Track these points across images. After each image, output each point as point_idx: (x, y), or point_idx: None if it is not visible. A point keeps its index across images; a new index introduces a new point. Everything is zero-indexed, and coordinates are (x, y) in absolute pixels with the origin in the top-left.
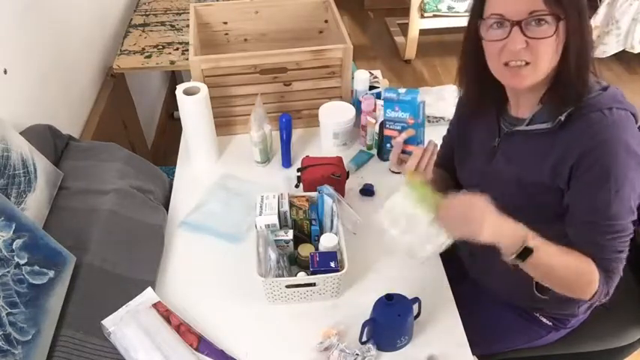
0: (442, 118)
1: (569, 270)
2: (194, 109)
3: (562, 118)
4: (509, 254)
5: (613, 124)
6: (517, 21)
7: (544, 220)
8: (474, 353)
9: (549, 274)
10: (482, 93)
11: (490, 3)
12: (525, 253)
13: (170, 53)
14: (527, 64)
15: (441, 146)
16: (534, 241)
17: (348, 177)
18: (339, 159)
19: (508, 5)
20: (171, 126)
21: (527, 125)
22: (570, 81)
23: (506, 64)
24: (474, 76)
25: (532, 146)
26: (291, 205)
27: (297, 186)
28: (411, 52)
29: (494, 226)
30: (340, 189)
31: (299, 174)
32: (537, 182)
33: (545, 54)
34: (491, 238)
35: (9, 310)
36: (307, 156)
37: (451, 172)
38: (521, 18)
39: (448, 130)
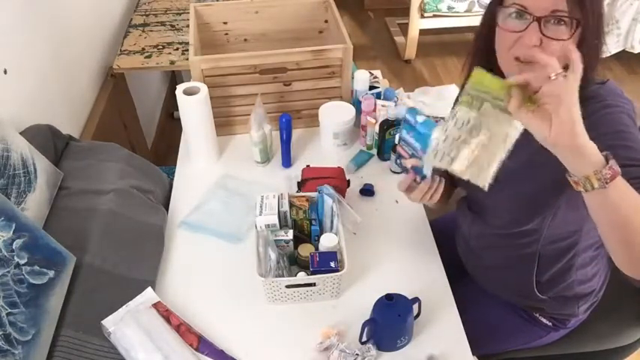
0: (442, 118)
1: None
2: (194, 109)
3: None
4: (601, 165)
5: (615, 105)
6: (538, 17)
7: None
8: (474, 353)
9: (635, 208)
10: None
11: None
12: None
13: (170, 53)
14: (535, 63)
15: None
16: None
17: (349, 186)
18: (340, 171)
19: None
20: (171, 126)
21: None
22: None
23: (515, 59)
24: (481, 65)
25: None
26: (291, 205)
27: None
28: (411, 52)
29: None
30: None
31: (298, 189)
32: (545, 174)
33: (556, 56)
34: (584, 135)
35: (9, 310)
36: (308, 166)
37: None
38: (542, 14)
39: None
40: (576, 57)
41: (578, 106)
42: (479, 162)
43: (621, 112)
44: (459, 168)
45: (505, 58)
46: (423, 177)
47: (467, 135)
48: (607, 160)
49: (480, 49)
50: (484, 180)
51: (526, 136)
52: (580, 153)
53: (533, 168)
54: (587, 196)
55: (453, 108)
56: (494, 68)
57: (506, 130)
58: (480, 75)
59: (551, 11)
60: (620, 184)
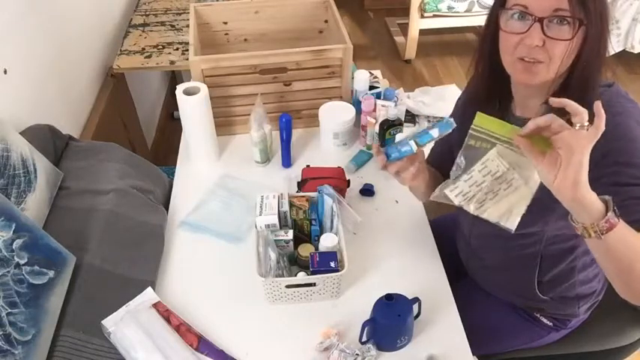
0: (442, 118)
1: None
2: (194, 109)
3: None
4: (599, 215)
5: (623, 112)
6: (540, 17)
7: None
8: (474, 353)
9: (636, 254)
10: (489, 87)
11: None
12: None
13: (170, 53)
14: (540, 62)
15: (438, 145)
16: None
17: (349, 185)
18: (340, 171)
19: None
20: (171, 126)
21: None
22: (580, 84)
23: (519, 59)
24: (486, 67)
25: None
26: (291, 205)
27: None
28: (411, 52)
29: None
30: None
31: (299, 189)
32: None
33: (560, 56)
34: (585, 188)
35: (9, 310)
36: (308, 166)
37: (446, 173)
38: (544, 15)
39: None
40: (602, 116)
41: (588, 160)
42: (506, 207)
43: (629, 118)
44: (487, 215)
45: (509, 60)
46: (389, 158)
47: (494, 184)
48: (607, 211)
49: (484, 52)
50: (513, 223)
51: None
52: (580, 204)
53: None
54: (587, 241)
55: (463, 149)
56: (497, 72)
57: (531, 176)
58: (484, 118)
59: (553, 10)
60: (620, 232)
